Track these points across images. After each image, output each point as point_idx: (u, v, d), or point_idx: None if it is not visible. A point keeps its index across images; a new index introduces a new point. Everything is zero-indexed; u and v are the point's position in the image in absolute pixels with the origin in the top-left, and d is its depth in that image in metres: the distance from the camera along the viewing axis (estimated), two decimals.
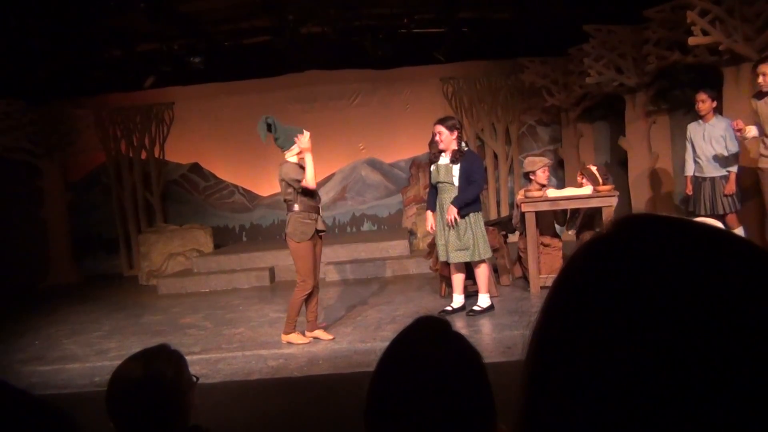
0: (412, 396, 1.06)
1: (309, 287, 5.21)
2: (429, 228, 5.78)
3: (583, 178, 6.62)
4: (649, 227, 0.50)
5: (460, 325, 5.49)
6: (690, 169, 6.59)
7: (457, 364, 1.10)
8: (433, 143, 5.67)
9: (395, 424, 1.07)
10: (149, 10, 7.43)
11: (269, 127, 5.16)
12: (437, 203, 5.66)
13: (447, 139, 5.49)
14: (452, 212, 5.43)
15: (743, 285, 0.45)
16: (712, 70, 6.81)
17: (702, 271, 0.45)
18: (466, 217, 5.51)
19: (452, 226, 5.48)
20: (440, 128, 5.51)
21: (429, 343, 1.12)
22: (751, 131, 5.76)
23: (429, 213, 5.76)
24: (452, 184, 5.50)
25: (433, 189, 5.72)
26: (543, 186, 6.63)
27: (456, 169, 5.48)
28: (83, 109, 10.90)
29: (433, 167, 5.66)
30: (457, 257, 5.59)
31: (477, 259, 5.59)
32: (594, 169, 6.67)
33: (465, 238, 5.50)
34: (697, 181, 6.50)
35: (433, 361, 1.09)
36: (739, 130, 5.77)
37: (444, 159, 5.56)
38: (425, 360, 1.09)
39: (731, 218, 6.28)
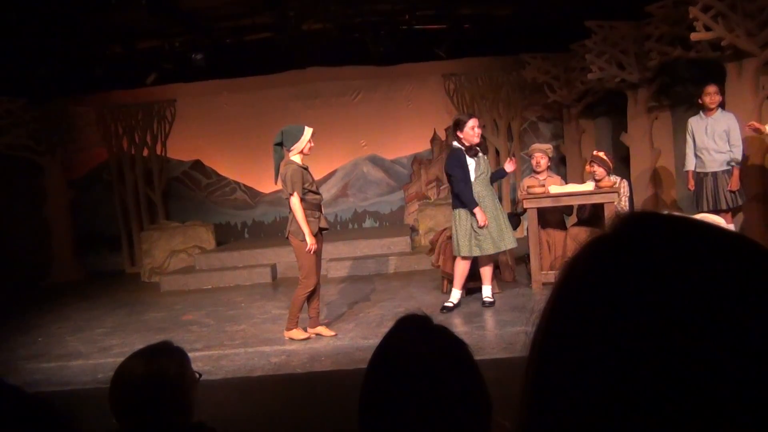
0: (402, 394, 1.06)
1: (312, 284, 5.22)
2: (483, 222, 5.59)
3: (593, 168, 6.56)
4: (652, 225, 0.50)
5: (462, 321, 5.51)
6: (691, 164, 6.51)
7: (442, 356, 1.11)
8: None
9: (388, 424, 1.07)
10: (151, 7, 7.41)
11: (281, 144, 5.23)
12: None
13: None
14: None
15: (746, 283, 0.45)
16: (715, 65, 6.79)
17: (705, 270, 0.45)
18: (455, 211, 5.73)
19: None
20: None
21: (413, 340, 1.13)
22: None
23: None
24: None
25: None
26: (536, 173, 6.73)
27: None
28: (85, 107, 10.92)
29: None
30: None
31: (456, 254, 5.79)
32: (602, 154, 6.64)
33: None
34: (699, 176, 6.42)
35: (419, 356, 1.10)
36: (756, 130, 5.71)
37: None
38: (411, 357, 1.10)
39: (726, 216, 6.19)
